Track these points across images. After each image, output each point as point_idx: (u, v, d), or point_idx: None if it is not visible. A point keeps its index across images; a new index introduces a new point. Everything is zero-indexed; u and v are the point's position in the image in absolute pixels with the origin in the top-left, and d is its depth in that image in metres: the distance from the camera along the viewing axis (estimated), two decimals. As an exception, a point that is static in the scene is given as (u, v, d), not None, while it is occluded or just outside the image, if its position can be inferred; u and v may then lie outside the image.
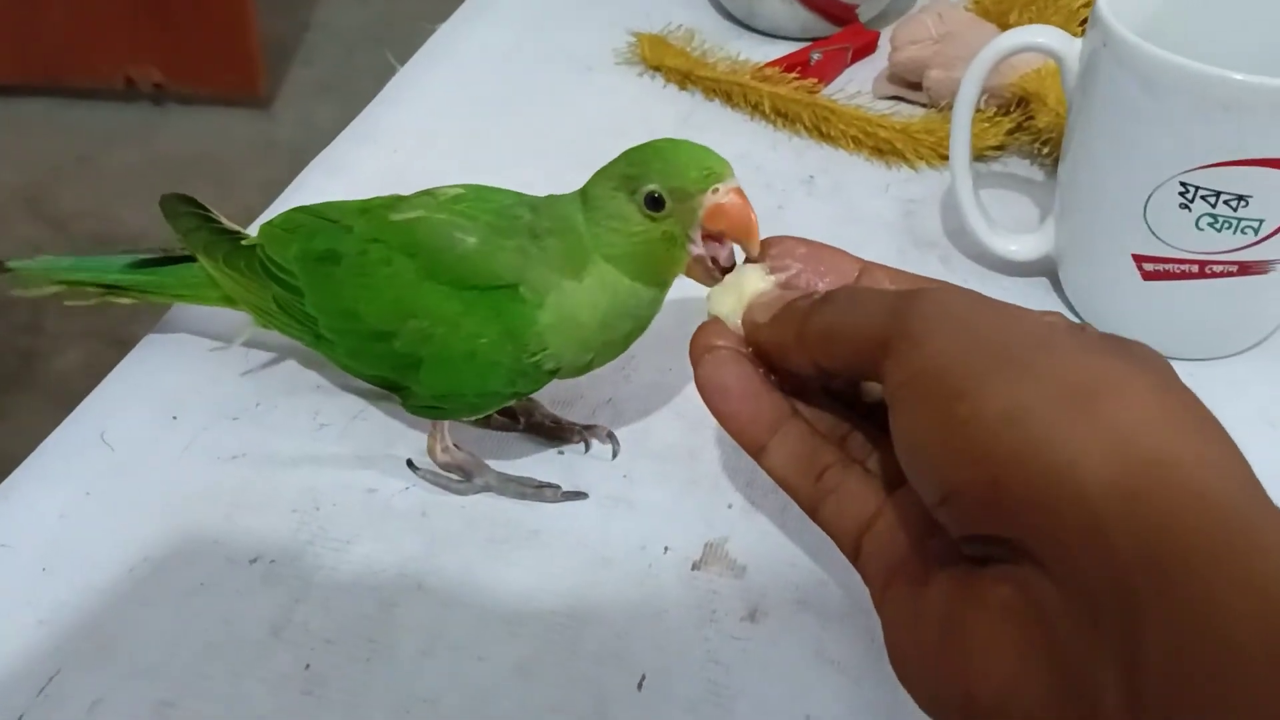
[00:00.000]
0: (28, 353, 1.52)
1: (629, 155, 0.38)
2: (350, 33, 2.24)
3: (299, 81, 2.12)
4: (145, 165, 1.80)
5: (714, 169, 0.37)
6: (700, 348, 0.33)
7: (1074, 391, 0.24)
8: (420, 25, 0.75)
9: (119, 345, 1.58)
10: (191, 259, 0.45)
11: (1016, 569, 0.24)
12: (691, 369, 0.33)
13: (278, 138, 1.95)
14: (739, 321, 0.33)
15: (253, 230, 0.46)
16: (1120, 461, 0.23)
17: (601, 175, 0.39)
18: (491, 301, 0.39)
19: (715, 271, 0.37)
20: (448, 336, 0.39)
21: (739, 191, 0.36)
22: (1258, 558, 0.21)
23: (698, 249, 0.37)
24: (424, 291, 0.40)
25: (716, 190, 0.36)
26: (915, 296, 0.28)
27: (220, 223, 0.45)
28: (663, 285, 0.40)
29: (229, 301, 0.45)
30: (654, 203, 0.37)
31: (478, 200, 0.41)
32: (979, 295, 0.29)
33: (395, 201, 0.42)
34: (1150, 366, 0.25)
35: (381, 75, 0.70)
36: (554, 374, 0.40)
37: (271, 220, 0.44)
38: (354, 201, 0.43)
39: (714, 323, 0.33)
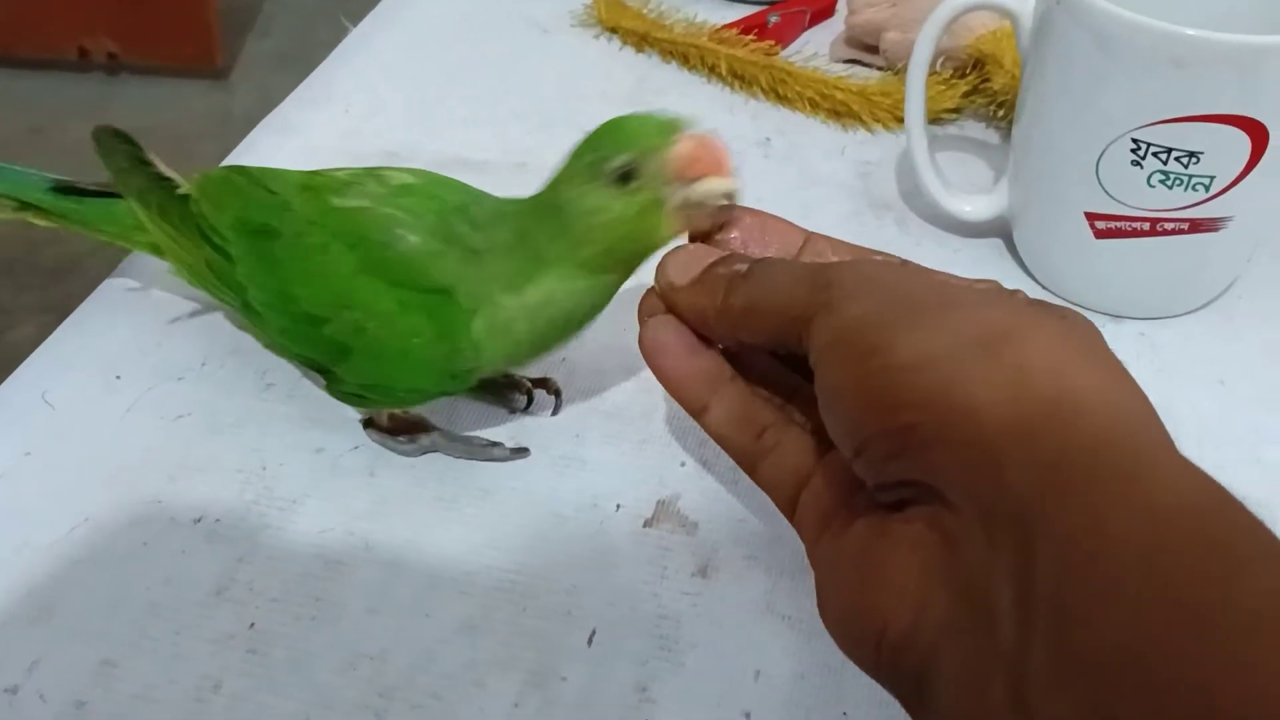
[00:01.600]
0: (-21, 326, 1.50)
1: (581, 146, 0.37)
2: (309, 4, 2.21)
3: (256, 53, 2.09)
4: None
5: (671, 123, 0.36)
6: (646, 310, 0.33)
7: (981, 339, 0.25)
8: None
9: (73, 318, 1.57)
10: (119, 196, 0.44)
11: (926, 509, 0.25)
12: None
13: (235, 109, 1.92)
14: None
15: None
16: (1019, 401, 0.24)
17: (561, 180, 0.37)
18: (427, 303, 0.38)
19: (704, 215, 0.35)
20: (381, 331, 0.38)
21: (702, 135, 0.35)
22: (1146, 483, 0.22)
23: (675, 204, 0.35)
24: (360, 284, 0.39)
25: (680, 139, 0.35)
26: (834, 268, 0.28)
27: (155, 166, 0.44)
28: (633, 269, 0.38)
29: (154, 249, 0.44)
30: (624, 176, 0.35)
31: (425, 196, 0.40)
32: (900, 263, 0.31)
33: (339, 184, 0.41)
34: (1064, 319, 0.26)
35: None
36: (492, 372, 0.40)
37: (208, 174, 0.43)
38: (296, 173, 0.42)
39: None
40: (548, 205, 0.37)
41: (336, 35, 0.74)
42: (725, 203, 0.34)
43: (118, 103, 1.91)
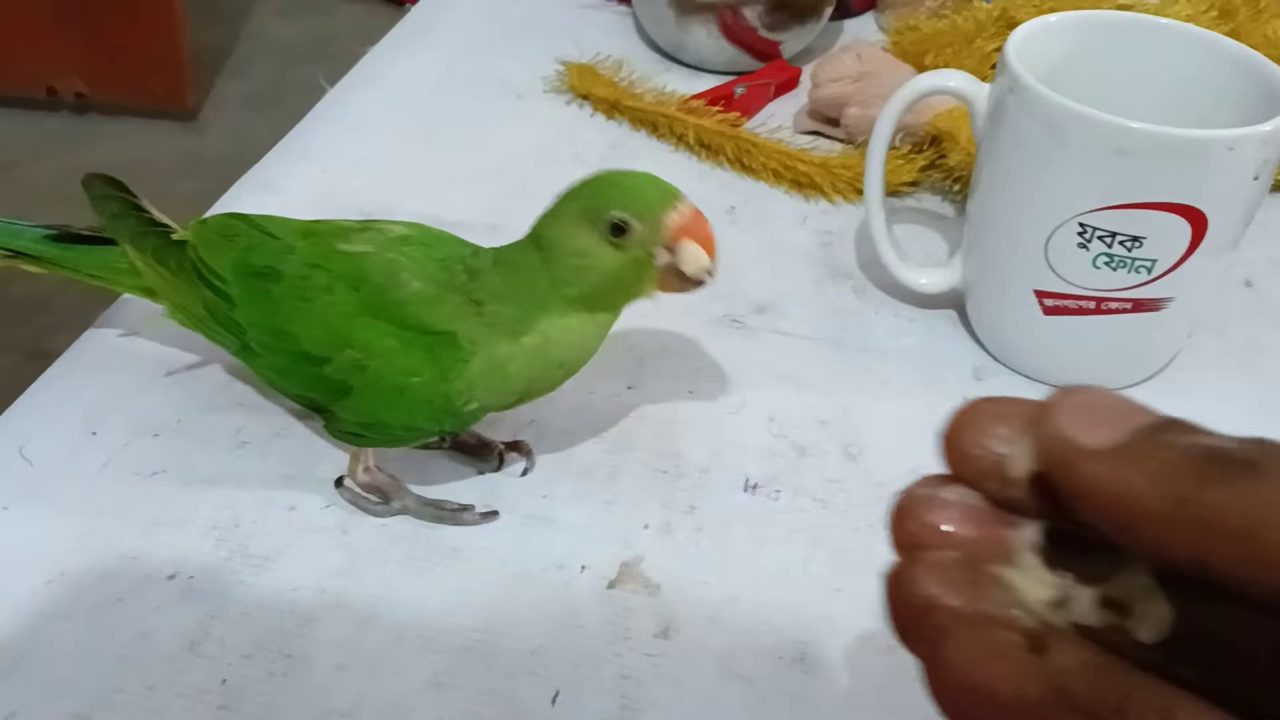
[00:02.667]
0: (-60, 364, 1.49)
1: (581, 191, 0.40)
2: (282, 47, 2.22)
3: (228, 94, 2.10)
4: (68, 175, 1.76)
5: (669, 190, 0.40)
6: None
7: None
8: (355, 46, 0.76)
9: (38, 358, 1.55)
10: (111, 242, 0.45)
11: None
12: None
13: (204, 151, 1.93)
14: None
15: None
16: None
17: (552, 218, 0.40)
18: (428, 343, 0.40)
19: (687, 280, 0.40)
20: (381, 369, 0.40)
21: (697, 210, 0.39)
22: None
23: (661, 263, 0.39)
24: (362, 324, 0.40)
25: (678, 209, 0.39)
26: None
27: (148, 212, 0.46)
28: (617, 312, 0.42)
29: (148, 292, 0.45)
30: (618, 229, 0.39)
31: (423, 246, 0.42)
32: None
33: (341, 231, 0.43)
34: None
35: (313, 91, 0.71)
36: (485, 411, 0.42)
37: (204, 220, 0.45)
38: (296, 221, 0.44)
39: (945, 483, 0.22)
40: (532, 244, 0.40)
41: (309, 79, 0.76)
42: (705, 276, 0.39)
43: (87, 141, 1.91)
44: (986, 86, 0.51)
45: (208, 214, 0.56)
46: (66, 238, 0.46)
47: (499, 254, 0.42)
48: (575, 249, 0.39)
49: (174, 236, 0.45)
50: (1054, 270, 0.49)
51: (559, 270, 0.40)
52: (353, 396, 0.41)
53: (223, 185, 0.61)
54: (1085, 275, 0.48)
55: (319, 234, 0.43)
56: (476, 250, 0.43)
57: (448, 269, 0.41)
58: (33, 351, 1.48)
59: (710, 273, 0.40)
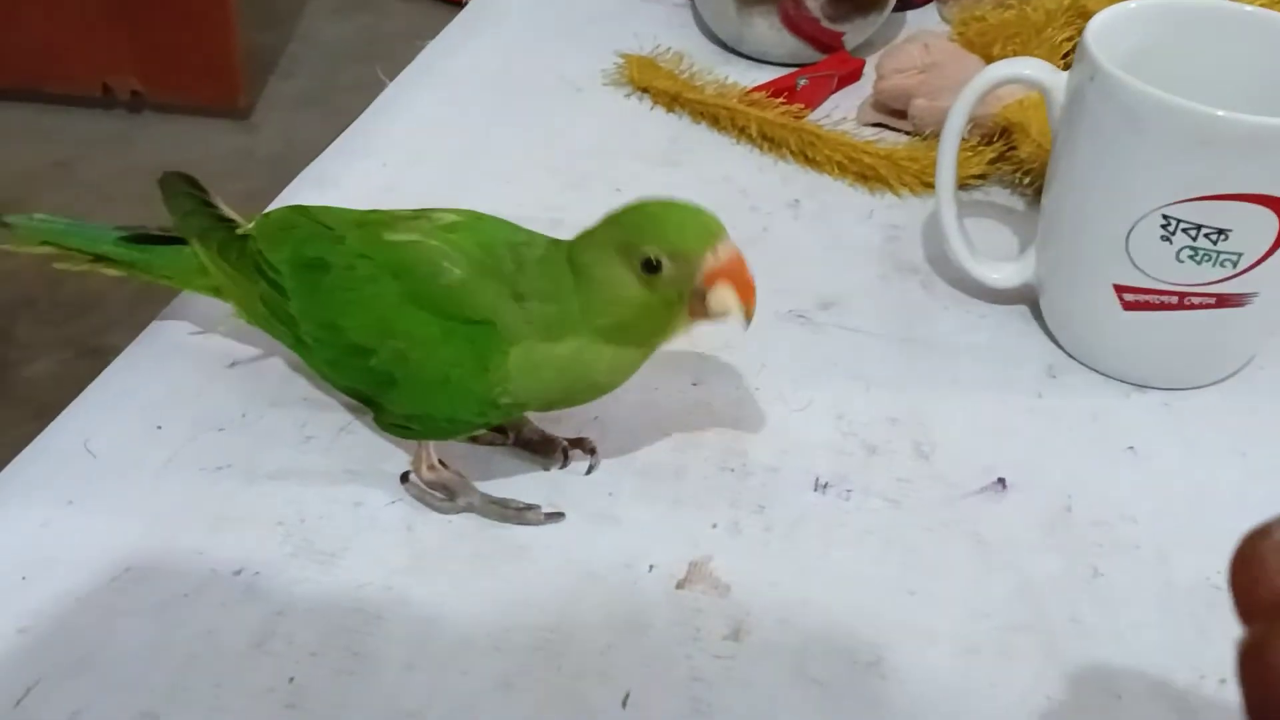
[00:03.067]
0: (-2, 360, 1.51)
1: (620, 219, 0.39)
2: (333, 46, 2.24)
3: (279, 94, 2.11)
4: (122, 173, 1.79)
5: (711, 230, 0.38)
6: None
7: None
8: (409, 42, 0.76)
9: (91, 355, 1.58)
10: (183, 242, 0.46)
11: None
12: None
13: (257, 149, 1.95)
14: None
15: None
16: None
17: (589, 242, 0.39)
18: (469, 333, 0.40)
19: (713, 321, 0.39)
20: (423, 360, 0.40)
21: (737, 253, 0.38)
22: None
23: (700, 303, 0.38)
24: (405, 314, 0.40)
25: (716, 252, 0.37)
26: None
27: (218, 208, 0.46)
28: (651, 348, 0.41)
29: (216, 291, 0.45)
30: (652, 267, 0.38)
31: (470, 232, 0.41)
32: None
33: (392, 220, 0.42)
34: None
35: (364, 90, 0.71)
36: (521, 409, 0.41)
37: (268, 214, 0.45)
38: (353, 211, 0.44)
39: None
40: (573, 264, 0.39)
41: (359, 78, 0.76)
42: (739, 322, 0.38)
43: (141, 140, 1.93)
44: (1064, 75, 0.49)
45: (268, 210, 0.56)
46: (141, 239, 0.47)
47: (549, 253, 0.41)
48: (606, 280, 0.38)
49: (239, 231, 0.44)
50: (1135, 264, 0.47)
51: (589, 298, 0.39)
52: (398, 388, 0.40)
53: (275, 184, 0.61)
54: (1168, 269, 0.46)
55: (370, 224, 0.42)
56: (531, 239, 0.42)
57: (493, 254, 0.40)
58: (86, 348, 1.50)
59: (746, 317, 0.39)
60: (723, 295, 0.38)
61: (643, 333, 0.40)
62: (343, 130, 0.65)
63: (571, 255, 0.40)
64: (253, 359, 0.49)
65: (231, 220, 0.45)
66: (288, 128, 1.99)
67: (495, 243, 0.41)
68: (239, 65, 1.98)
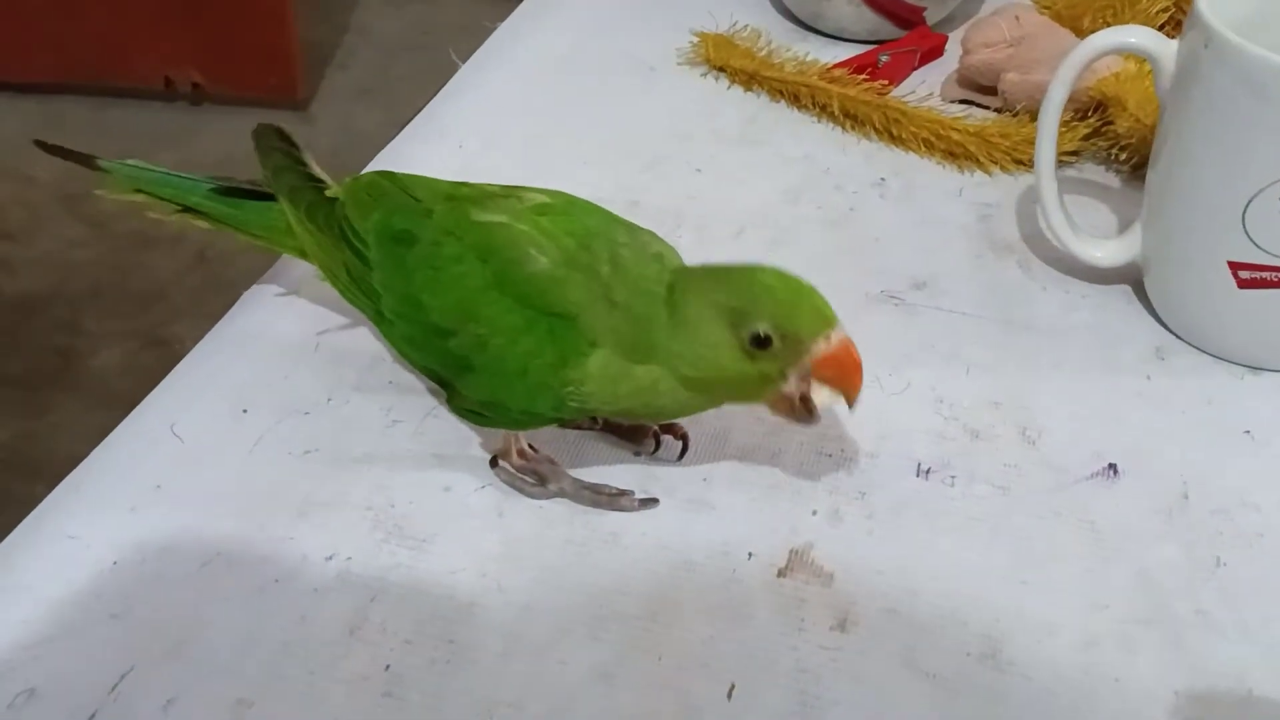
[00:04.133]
0: (66, 351, 1.52)
1: (731, 283, 0.37)
2: (389, 37, 2.24)
3: (337, 85, 2.12)
4: (183, 166, 1.77)
5: (826, 314, 0.37)
6: None
7: None
8: (463, 32, 0.75)
9: (158, 345, 1.59)
10: (272, 196, 0.45)
11: None
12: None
13: (316, 141, 1.95)
14: None
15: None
16: None
17: (697, 293, 0.37)
18: (551, 326, 0.38)
19: (803, 412, 0.37)
20: (503, 349, 0.39)
21: (849, 341, 0.37)
22: None
23: (790, 388, 0.37)
24: (488, 299, 0.39)
25: (829, 338, 0.36)
26: None
27: (308, 166, 0.45)
28: (718, 403, 0.40)
29: (301, 253, 0.45)
30: (761, 342, 0.36)
31: (561, 215, 0.40)
32: None
33: (481, 196, 0.41)
34: None
35: (420, 80, 0.70)
36: (590, 412, 0.40)
37: (357, 177, 0.44)
38: (442, 183, 0.43)
39: None
40: (672, 303, 0.38)
41: (415, 68, 0.75)
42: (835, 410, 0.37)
43: (202, 132, 1.94)
44: (1173, 43, 0.47)
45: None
46: (232, 192, 0.46)
47: (639, 269, 0.39)
48: (707, 340, 0.37)
49: (327, 193, 0.44)
50: (1252, 240, 0.45)
51: (683, 347, 0.37)
52: (474, 373, 0.39)
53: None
54: (1289, 244, 0.44)
55: (459, 199, 0.41)
56: (632, 239, 0.40)
57: (588, 249, 0.39)
58: (152, 339, 1.51)
59: (850, 403, 0.38)
60: (825, 394, 0.37)
61: (723, 395, 0.39)
62: (400, 120, 0.64)
63: (673, 293, 0.38)
64: (340, 329, 0.48)
65: (320, 180, 0.44)
66: (345, 118, 2.00)
67: (591, 235, 0.39)
68: (297, 57, 1.98)
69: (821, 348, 0.36)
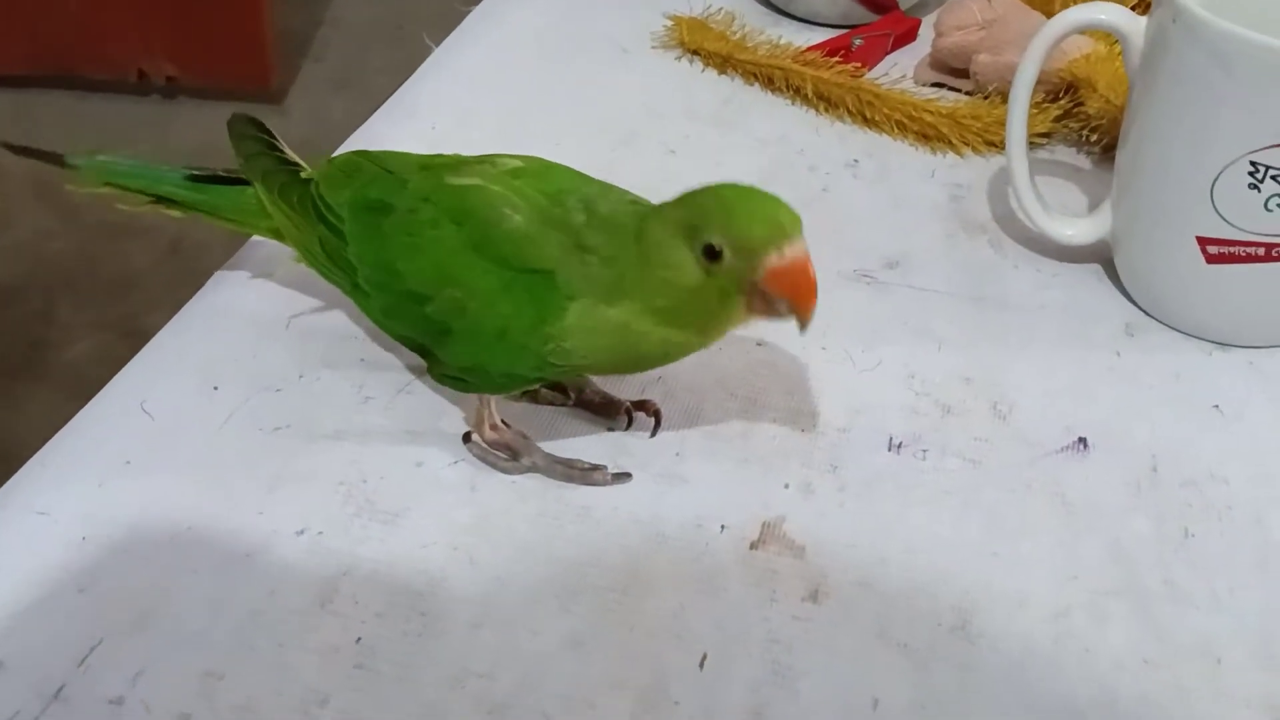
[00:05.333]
0: (38, 341, 1.51)
1: (691, 200, 0.37)
2: (363, 28, 2.23)
3: (311, 76, 2.11)
4: (158, 157, 1.79)
5: (782, 226, 0.35)
6: None
7: None
8: (437, 25, 0.74)
9: (131, 336, 1.57)
10: (247, 183, 0.45)
11: None
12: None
13: (290, 132, 1.92)
14: None
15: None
16: None
17: (660, 218, 0.37)
18: (528, 284, 0.38)
19: (769, 310, 0.36)
20: (481, 311, 0.38)
21: (804, 255, 0.35)
22: None
23: (755, 300, 0.36)
24: (465, 262, 0.39)
25: (782, 251, 0.35)
26: None
27: (284, 152, 0.45)
28: (705, 336, 0.39)
29: (276, 234, 0.45)
30: (712, 253, 0.35)
31: (535, 177, 0.40)
32: None
33: (456, 163, 0.41)
34: None
35: (395, 72, 0.69)
36: (574, 370, 0.40)
37: (331, 158, 0.44)
38: (417, 155, 0.43)
39: None
40: (640, 233, 0.37)
41: (390, 59, 0.74)
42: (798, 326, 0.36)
43: (175, 124, 1.93)
44: (1142, 20, 0.47)
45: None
46: (205, 179, 0.46)
47: (612, 213, 0.39)
48: (665, 259, 0.36)
49: (302, 175, 0.44)
50: (1220, 214, 0.45)
51: (648, 273, 0.37)
52: (453, 338, 0.39)
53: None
54: (1256, 219, 0.45)
55: (434, 167, 0.42)
56: (606, 191, 0.40)
57: (561, 204, 0.39)
58: (125, 330, 1.50)
59: (801, 324, 0.36)
60: (783, 306, 0.36)
61: (693, 318, 0.38)
62: (374, 111, 0.64)
63: (642, 224, 0.38)
64: (309, 316, 0.48)
65: (296, 164, 0.45)
66: (320, 110, 1.98)
67: (564, 191, 0.39)
68: (271, 48, 1.97)
69: (773, 260, 0.35)
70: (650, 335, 0.38)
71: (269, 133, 0.46)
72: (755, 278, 0.35)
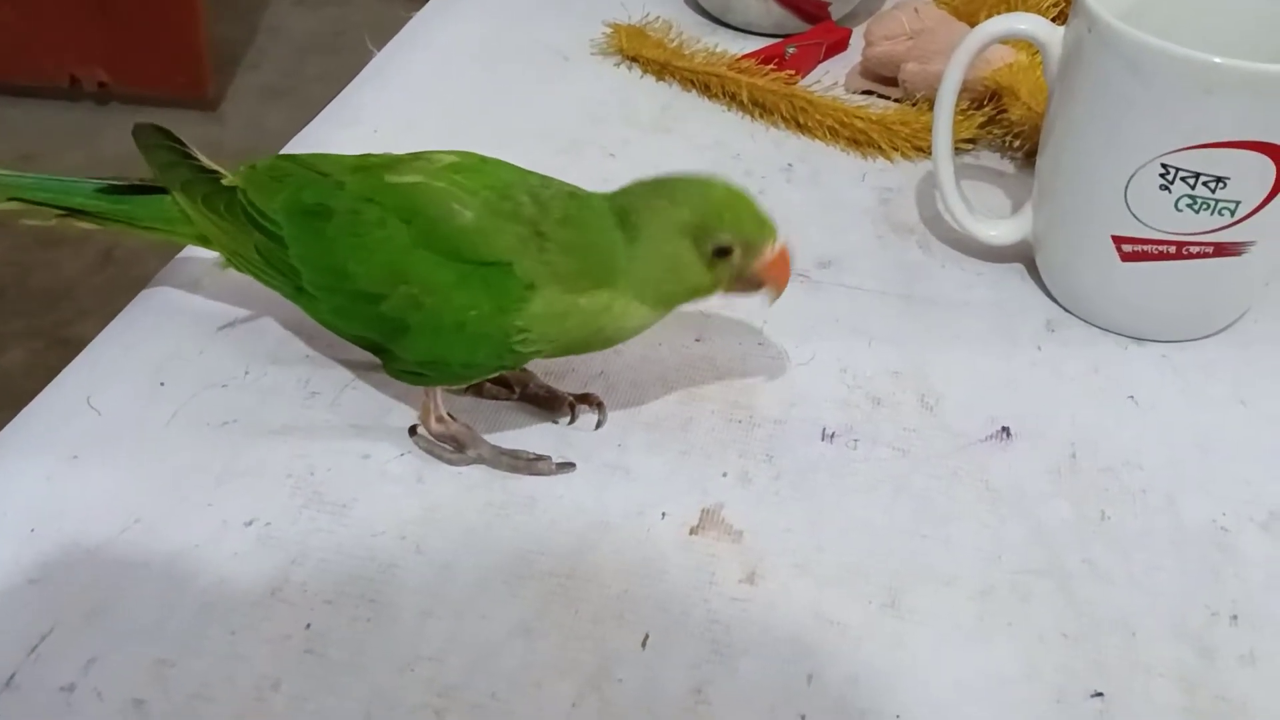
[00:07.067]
0: (-33, 352, 1.49)
1: (691, 198, 0.40)
2: (301, 37, 2.22)
3: (247, 85, 2.10)
4: (90, 165, 1.77)
5: (770, 224, 0.41)
6: None
7: None
8: (377, 33, 0.75)
9: (63, 345, 1.55)
10: (163, 191, 0.45)
11: None
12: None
13: (225, 141, 1.92)
14: None
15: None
16: None
17: (655, 213, 0.40)
18: (484, 276, 0.39)
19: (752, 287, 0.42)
20: (438, 305, 0.39)
21: (786, 247, 0.41)
22: None
23: (746, 286, 0.42)
24: (417, 259, 0.39)
25: (774, 245, 0.41)
26: None
27: (198, 160, 0.45)
28: (672, 309, 0.42)
29: (202, 240, 0.45)
30: (724, 252, 0.40)
31: (475, 172, 0.41)
32: None
33: (390, 162, 0.42)
34: None
35: (331, 81, 0.69)
36: (537, 355, 0.41)
37: (254, 164, 0.44)
38: (347, 156, 0.43)
39: None
40: (615, 218, 0.39)
41: (326, 69, 0.75)
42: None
43: (109, 131, 1.91)
44: (1060, 30, 0.49)
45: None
46: (118, 189, 0.46)
47: (574, 205, 0.40)
48: (670, 256, 0.39)
49: (224, 182, 0.44)
50: (1134, 214, 0.47)
51: (644, 267, 0.39)
52: (411, 334, 0.40)
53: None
54: (1167, 219, 0.47)
55: (369, 167, 0.42)
56: (546, 181, 0.42)
57: (509, 197, 0.40)
58: (56, 339, 1.48)
59: (773, 300, 0.42)
60: (769, 292, 0.42)
61: (680, 300, 0.41)
62: (311, 121, 0.64)
63: (622, 215, 0.40)
64: (251, 318, 0.48)
65: (214, 171, 0.44)
66: (255, 119, 1.98)
67: (509, 185, 0.40)
68: (206, 57, 1.96)
69: (769, 254, 0.40)
70: (630, 317, 0.40)
71: (179, 141, 0.45)
72: (751, 270, 0.40)
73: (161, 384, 0.45)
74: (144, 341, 0.47)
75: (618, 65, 0.70)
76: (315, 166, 0.42)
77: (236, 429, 0.43)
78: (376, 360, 0.42)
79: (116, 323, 0.48)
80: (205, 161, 0.45)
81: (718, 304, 0.51)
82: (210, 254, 0.46)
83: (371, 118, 0.63)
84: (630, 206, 0.40)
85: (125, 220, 0.45)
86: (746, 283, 0.41)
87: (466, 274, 0.39)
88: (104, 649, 0.36)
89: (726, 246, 0.40)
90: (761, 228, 0.40)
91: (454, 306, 0.39)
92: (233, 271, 0.45)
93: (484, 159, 0.42)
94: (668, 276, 0.40)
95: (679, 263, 0.40)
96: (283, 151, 0.59)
